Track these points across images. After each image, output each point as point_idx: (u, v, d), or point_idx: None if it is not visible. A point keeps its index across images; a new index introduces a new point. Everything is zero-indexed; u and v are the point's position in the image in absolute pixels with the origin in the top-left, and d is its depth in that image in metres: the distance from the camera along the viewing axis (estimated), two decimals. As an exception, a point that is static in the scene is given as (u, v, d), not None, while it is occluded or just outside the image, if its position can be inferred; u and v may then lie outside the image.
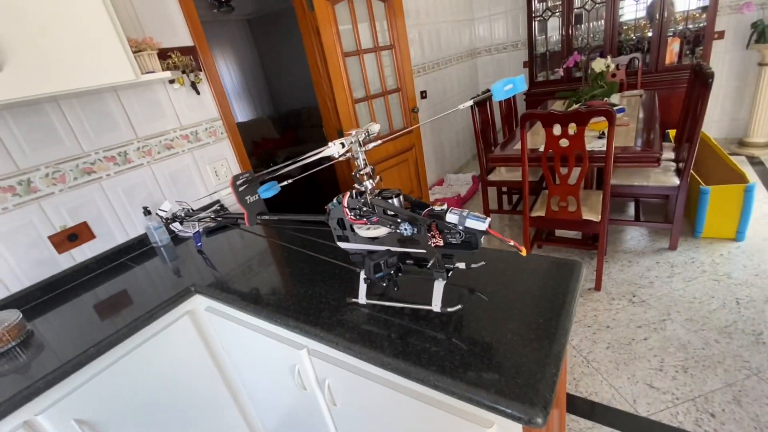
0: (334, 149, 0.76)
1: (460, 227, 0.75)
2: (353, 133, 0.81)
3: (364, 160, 0.84)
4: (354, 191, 0.89)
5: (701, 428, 1.38)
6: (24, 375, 0.96)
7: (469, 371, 0.69)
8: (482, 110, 2.81)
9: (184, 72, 1.66)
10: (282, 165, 0.92)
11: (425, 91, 3.64)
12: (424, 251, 0.83)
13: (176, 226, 1.36)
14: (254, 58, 5.51)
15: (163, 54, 1.57)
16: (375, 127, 0.88)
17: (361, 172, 0.84)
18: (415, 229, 0.79)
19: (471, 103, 0.68)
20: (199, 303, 1.27)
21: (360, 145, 0.82)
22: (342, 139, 0.78)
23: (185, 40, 1.70)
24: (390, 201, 0.83)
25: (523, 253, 0.76)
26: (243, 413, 1.47)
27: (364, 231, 0.88)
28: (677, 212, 2.22)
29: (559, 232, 2.65)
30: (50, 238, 1.37)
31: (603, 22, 3.59)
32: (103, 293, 1.35)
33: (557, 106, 3.07)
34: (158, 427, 1.20)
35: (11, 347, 1.08)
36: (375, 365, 0.80)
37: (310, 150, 0.85)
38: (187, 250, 1.55)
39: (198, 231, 1.42)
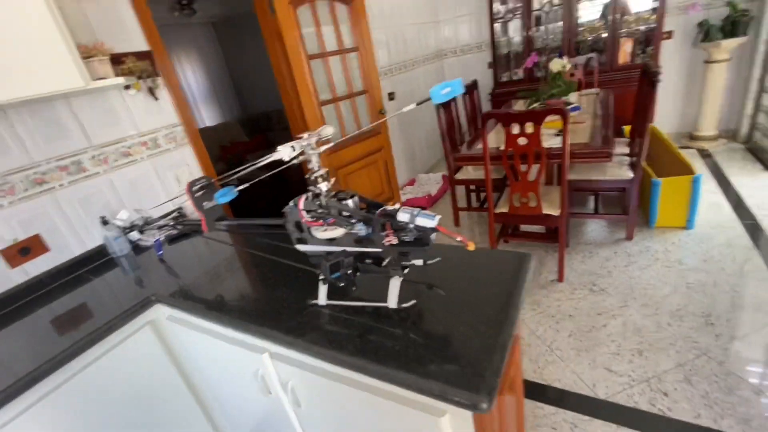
0: (284, 152, 0.77)
1: (411, 225, 0.77)
2: (305, 135, 0.83)
3: (317, 162, 0.85)
4: (310, 194, 0.90)
5: (655, 407, 1.46)
6: (-29, 396, 0.92)
7: (422, 363, 0.72)
8: (447, 111, 2.87)
9: (140, 77, 1.62)
10: (235, 170, 0.92)
11: (393, 93, 3.67)
12: (380, 250, 0.85)
13: (134, 235, 1.33)
14: (220, 61, 5.41)
15: (117, 59, 1.53)
16: (328, 130, 0.89)
17: (315, 175, 0.85)
18: (370, 229, 0.82)
19: (413, 106, 0.71)
20: (161, 312, 1.25)
21: (313, 148, 0.83)
22: (292, 143, 0.80)
23: (140, 44, 1.66)
24: (345, 202, 0.85)
25: (471, 247, 0.79)
26: (214, 425, 1.45)
27: (320, 233, 0.89)
28: (632, 204, 2.34)
29: (524, 227, 2.74)
30: (1, 252, 1.32)
31: (561, 23, 3.74)
32: (59, 308, 1.30)
33: (519, 105, 3.17)
34: (122, 441, 1.17)
35: (-43, 368, 1.03)
36: (334, 364, 0.82)
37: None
38: (149, 260, 1.51)
39: (158, 240, 1.40)
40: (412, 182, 4.05)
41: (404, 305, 0.86)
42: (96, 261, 1.55)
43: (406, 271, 0.88)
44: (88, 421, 1.09)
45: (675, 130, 4.00)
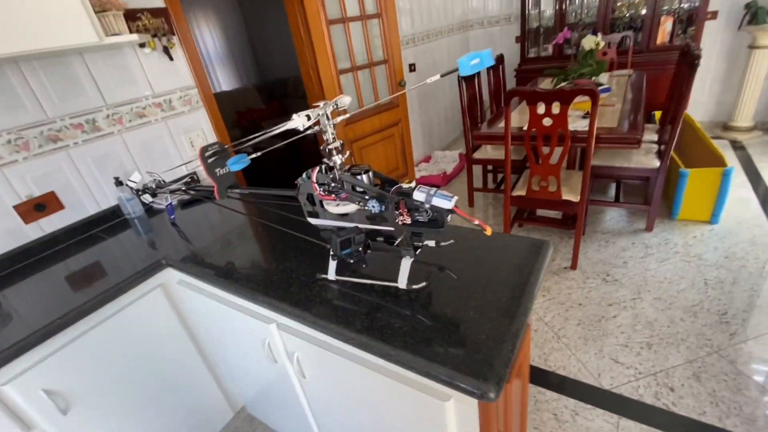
0: (298, 121, 0.74)
1: (427, 205, 0.74)
2: (321, 104, 0.79)
3: (332, 134, 0.82)
4: (323, 166, 0.87)
5: (660, 401, 1.44)
6: (-12, 346, 0.95)
7: (429, 347, 0.70)
8: (470, 86, 2.76)
9: (155, 36, 1.57)
10: (250, 137, 0.89)
11: (414, 64, 3.54)
12: (392, 228, 0.82)
13: (147, 197, 1.33)
14: (239, 23, 5.27)
15: (132, 15, 1.49)
16: (345, 100, 0.85)
17: (330, 147, 0.82)
18: (383, 207, 0.79)
19: (437, 77, 0.66)
20: (171, 276, 1.26)
21: (328, 118, 0.79)
22: (308, 111, 0.76)
23: (156, 1, 1.60)
24: (359, 177, 0.81)
25: (488, 232, 0.76)
26: (220, 385, 1.50)
27: (333, 207, 0.86)
28: (655, 194, 2.25)
29: (540, 212, 2.68)
30: (16, 207, 1.33)
31: (597, -3, 3.51)
32: (74, 265, 1.33)
33: (546, 83, 3.03)
34: (134, 397, 1.21)
35: (-25, 318, 1.06)
36: (340, 340, 0.81)
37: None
38: (161, 223, 1.52)
39: (171, 203, 1.39)
40: (427, 159, 3.97)
41: (414, 286, 0.84)
42: (110, 221, 1.57)
43: (419, 251, 0.85)
44: (99, 376, 1.12)
45: (708, 119, 3.80)
